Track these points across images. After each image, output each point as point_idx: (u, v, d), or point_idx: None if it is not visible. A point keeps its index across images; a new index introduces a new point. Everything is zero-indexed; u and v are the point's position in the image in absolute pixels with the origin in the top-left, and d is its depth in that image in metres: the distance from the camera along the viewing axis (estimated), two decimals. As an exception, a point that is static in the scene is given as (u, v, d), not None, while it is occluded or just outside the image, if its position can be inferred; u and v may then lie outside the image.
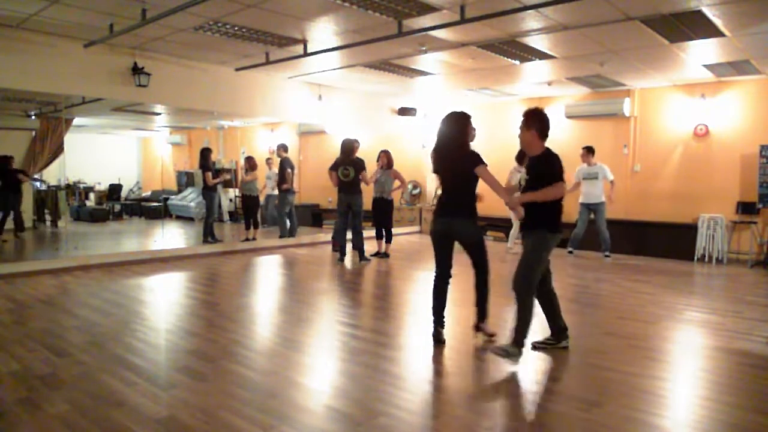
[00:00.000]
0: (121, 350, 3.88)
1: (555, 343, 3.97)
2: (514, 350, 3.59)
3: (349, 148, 7.66)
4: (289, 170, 9.18)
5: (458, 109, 4.10)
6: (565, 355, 3.93)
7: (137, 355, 3.78)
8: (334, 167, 8.02)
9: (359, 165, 7.66)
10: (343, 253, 7.92)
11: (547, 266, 3.92)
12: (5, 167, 9.32)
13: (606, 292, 6.13)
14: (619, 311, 5.23)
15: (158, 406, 2.95)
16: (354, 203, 7.67)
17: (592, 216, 8.43)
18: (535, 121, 3.72)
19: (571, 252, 8.66)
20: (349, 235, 7.93)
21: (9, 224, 9.34)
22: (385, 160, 8.24)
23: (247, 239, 9.26)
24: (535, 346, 3.94)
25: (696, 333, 4.62)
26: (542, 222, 3.70)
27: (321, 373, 3.59)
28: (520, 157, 8.38)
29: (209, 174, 8.84)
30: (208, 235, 8.99)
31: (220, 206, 12.29)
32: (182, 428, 2.71)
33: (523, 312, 3.65)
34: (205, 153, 8.96)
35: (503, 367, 3.65)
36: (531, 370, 3.65)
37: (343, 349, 4.02)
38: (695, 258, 8.25)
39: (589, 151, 8.41)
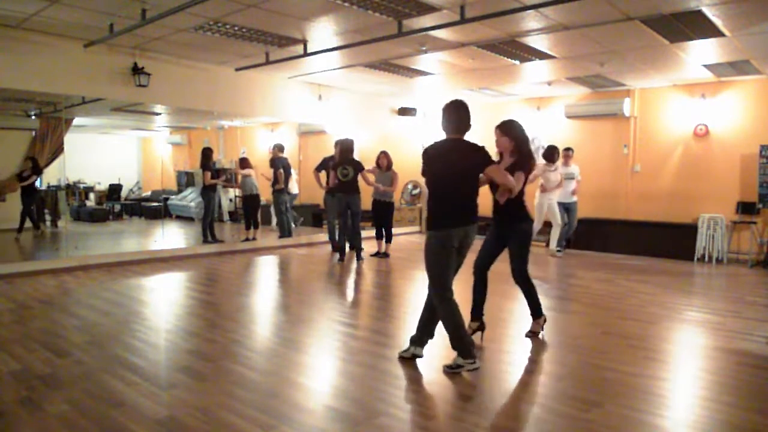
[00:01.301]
0: (121, 350, 3.88)
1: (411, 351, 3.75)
2: (463, 361, 3.47)
3: (349, 147, 7.66)
4: (281, 170, 9.17)
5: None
6: (565, 355, 3.93)
7: (137, 355, 3.78)
8: (321, 168, 8.05)
9: (359, 165, 7.68)
10: (342, 254, 7.93)
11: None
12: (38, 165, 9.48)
13: (606, 292, 6.13)
14: (619, 311, 5.24)
15: (158, 406, 2.95)
16: (353, 203, 7.68)
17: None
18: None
19: (559, 251, 8.67)
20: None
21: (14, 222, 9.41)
22: (385, 161, 8.25)
23: (247, 239, 9.27)
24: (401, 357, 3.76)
25: (696, 333, 4.63)
26: (428, 222, 3.65)
27: (321, 373, 3.59)
28: (549, 155, 8.46)
29: (208, 174, 8.87)
30: (208, 235, 8.99)
31: (220, 206, 12.29)
32: (182, 428, 2.71)
33: (448, 320, 3.52)
34: (207, 153, 8.99)
35: (503, 367, 3.65)
36: (531, 370, 3.65)
37: (342, 349, 4.02)
38: (695, 258, 8.25)
39: (572, 152, 8.75)
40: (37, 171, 9.46)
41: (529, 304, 4.29)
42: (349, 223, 7.89)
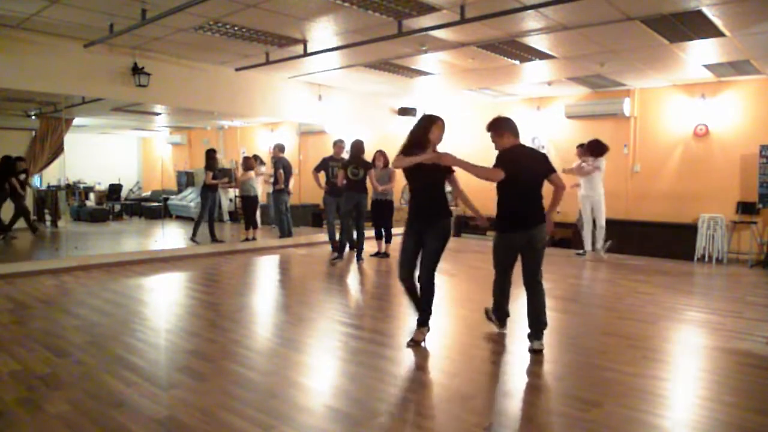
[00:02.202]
0: (121, 350, 3.88)
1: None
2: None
3: (360, 148, 7.74)
4: (281, 170, 9.17)
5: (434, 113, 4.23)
6: (565, 355, 3.93)
7: (137, 355, 3.78)
8: (321, 168, 8.05)
9: (369, 165, 7.74)
10: (342, 252, 7.90)
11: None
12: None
13: (606, 292, 6.13)
14: (619, 311, 5.23)
15: (158, 406, 2.95)
16: (361, 203, 7.76)
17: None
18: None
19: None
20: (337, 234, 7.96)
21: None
22: (382, 159, 8.24)
23: (246, 239, 9.27)
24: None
25: (696, 333, 4.63)
26: (497, 223, 4.05)
27: (321, 373, 3.59)
28: (599, 149, 8.05)
29: (210, 174, 8.91)
30: (195, 235, 9.00)
31: (220, 206, 12.28)
32: (182, 428, 2.71)
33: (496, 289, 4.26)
34: (210, 153, 9.06)
35: (503, 367, 3.65)
36: (530, 370, 3.65)
37: (343, 349, 4.02)
38: (695, 258, 8.25)
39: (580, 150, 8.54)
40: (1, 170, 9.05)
41: (421, 308, 4.05)
42: (350, 222, 7.90)
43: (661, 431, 2.78)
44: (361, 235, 7.91)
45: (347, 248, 8.12)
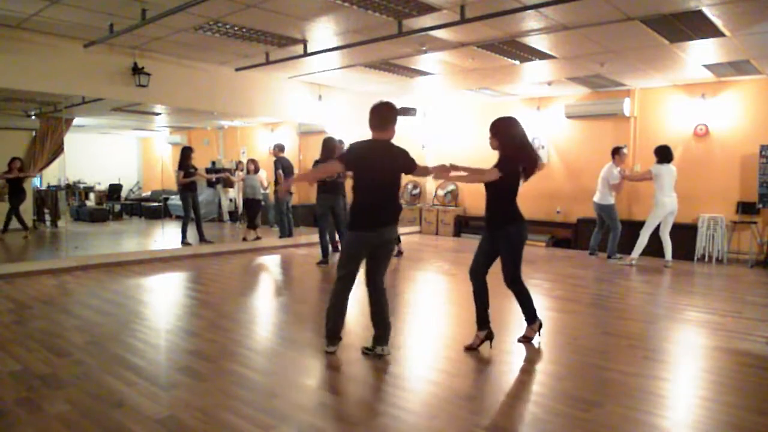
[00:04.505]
0: (121, 350, 3.88)
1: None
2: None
3: (331, 147, 7.23)
4: (280, 171, 9.14)
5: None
6: (565, 355, 3.93)
7: (137, 355, 3.78)
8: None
9: None
10: (326, 254, 7.77)
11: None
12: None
13: (606, 292, 6.13)
14: (619, 311, 5.23)
15: (158, 406, 2.95)
16: (337, 205, 7.46)
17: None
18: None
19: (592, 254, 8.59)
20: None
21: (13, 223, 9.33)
22: None
23: (257, 238, 9.30)
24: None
25: (696, 333, 4.63)
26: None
27: (321, 373, 3.59)
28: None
29: (181, 173, 8.85)
30: (185, 237, 8.97)
31: (220, 206, 12.29)
32: (182, 428, 2.71)
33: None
34: (184, 152, 8.97)
35: (503, 367, 3.65)
36: (531, 370, 3.65)
37: (342, 349, 4.02)
38: (695, 258, 8.25)
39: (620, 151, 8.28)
40: None
41: (522, 310, 4.10)
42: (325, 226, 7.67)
43: (661, 431, 2.78)
44: (343, 237, 7.68)
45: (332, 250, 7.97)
